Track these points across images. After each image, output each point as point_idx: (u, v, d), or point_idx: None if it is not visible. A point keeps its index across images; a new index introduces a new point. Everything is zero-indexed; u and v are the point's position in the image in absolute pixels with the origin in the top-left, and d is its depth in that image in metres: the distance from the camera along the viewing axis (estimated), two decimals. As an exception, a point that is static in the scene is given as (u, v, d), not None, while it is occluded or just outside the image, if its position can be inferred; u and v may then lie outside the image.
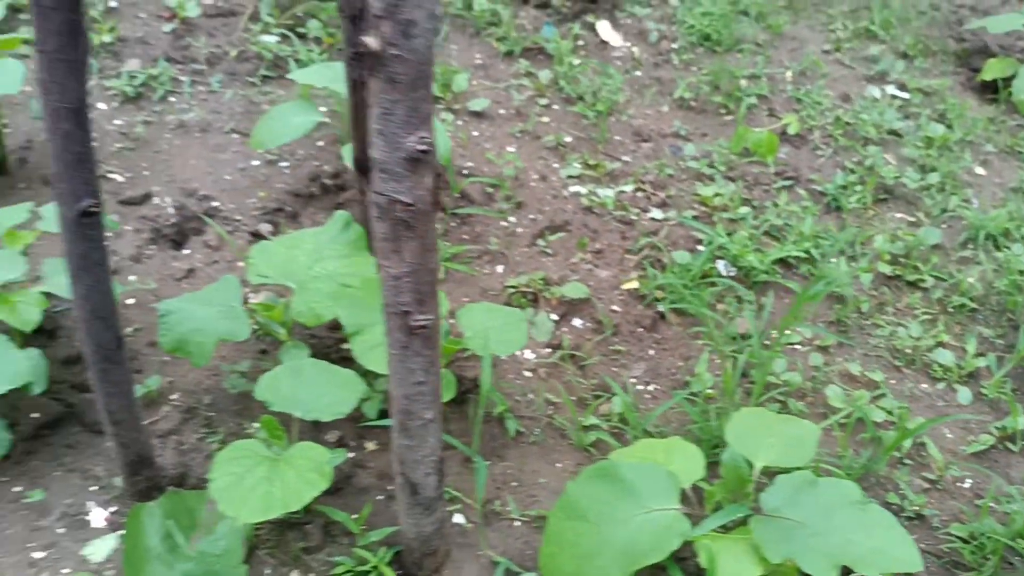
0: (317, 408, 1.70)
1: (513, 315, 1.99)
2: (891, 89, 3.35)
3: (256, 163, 2.73)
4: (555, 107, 3.10)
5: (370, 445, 1.97)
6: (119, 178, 2.64)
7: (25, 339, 1.92)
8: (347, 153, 2.31)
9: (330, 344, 2.14)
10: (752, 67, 3.34)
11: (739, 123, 2.95)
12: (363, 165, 1.93)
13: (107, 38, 3.10)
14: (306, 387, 1.72)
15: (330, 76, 2.44)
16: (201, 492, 1.78)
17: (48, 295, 1.92)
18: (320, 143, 2.82)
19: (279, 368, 1.77)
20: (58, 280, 1.89)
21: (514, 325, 1.93)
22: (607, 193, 2.72)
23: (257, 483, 1.58)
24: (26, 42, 2.54)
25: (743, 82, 3.27)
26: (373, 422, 1.94)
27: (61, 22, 1.19)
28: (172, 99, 2.96)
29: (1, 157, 2.56)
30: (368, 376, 1.86)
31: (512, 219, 2.60)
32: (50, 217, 1.99)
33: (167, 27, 3.26)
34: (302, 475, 1.59)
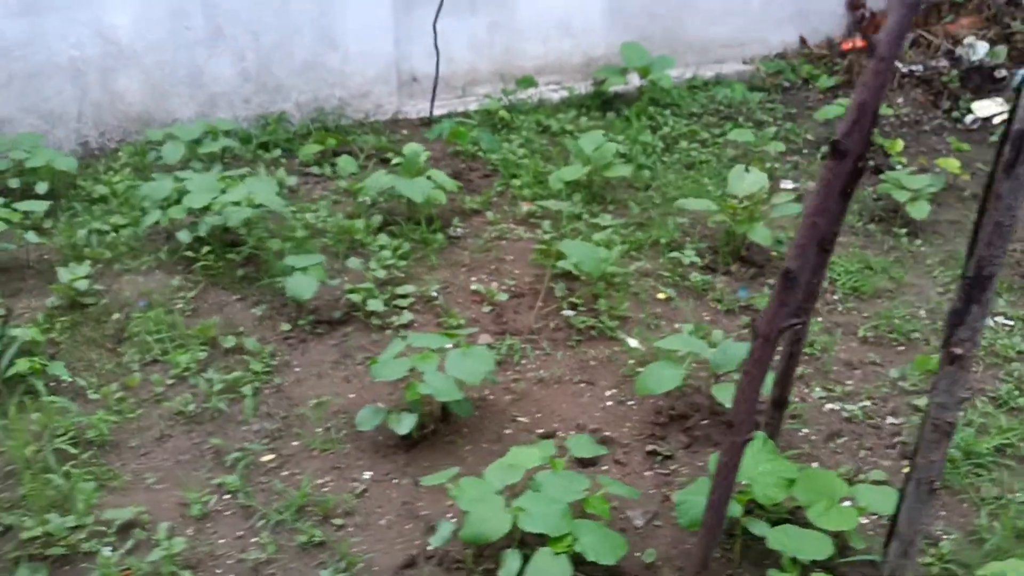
0: (811, 553, 2.76)
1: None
2: (1000, 320, 4.70)
3: (610, 403, 3.88)
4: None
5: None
6: (525, 420, 3.77)
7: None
8: (720, 393, 3.50)
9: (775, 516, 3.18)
10: (896, 308, 4.69)
11: (919, 354, 4.21)
12: (779, 402, 3.12)
13: (457, 321, 4.33)
14: (798, 542, 2.79)
15: (684, 343, 3.67)
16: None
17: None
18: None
19: (779, 529, 2.84)
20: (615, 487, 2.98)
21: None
22: (854, 408, 3.91)
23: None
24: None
25: (896, 321, 4.59)
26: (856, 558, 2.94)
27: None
28: (524, 361, 4.15)
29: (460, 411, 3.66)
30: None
31: (806, 430, 3.77)
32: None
33: (486, 308, 4.51)
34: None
